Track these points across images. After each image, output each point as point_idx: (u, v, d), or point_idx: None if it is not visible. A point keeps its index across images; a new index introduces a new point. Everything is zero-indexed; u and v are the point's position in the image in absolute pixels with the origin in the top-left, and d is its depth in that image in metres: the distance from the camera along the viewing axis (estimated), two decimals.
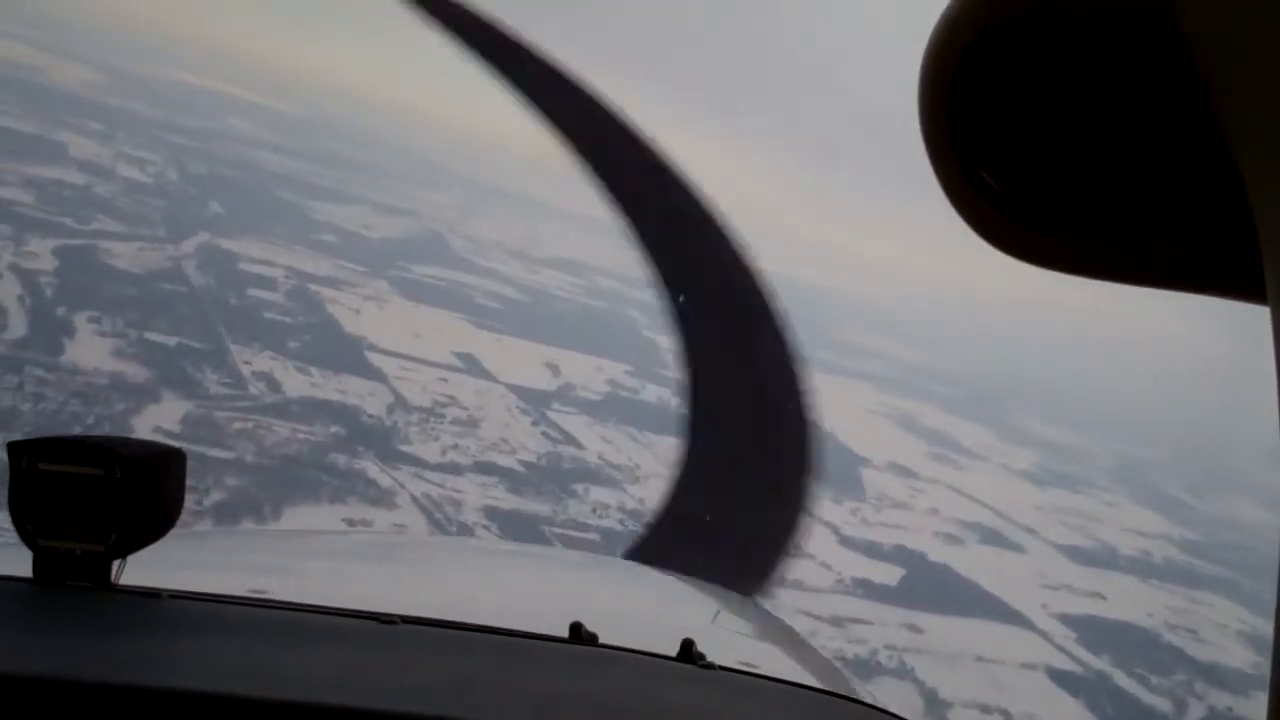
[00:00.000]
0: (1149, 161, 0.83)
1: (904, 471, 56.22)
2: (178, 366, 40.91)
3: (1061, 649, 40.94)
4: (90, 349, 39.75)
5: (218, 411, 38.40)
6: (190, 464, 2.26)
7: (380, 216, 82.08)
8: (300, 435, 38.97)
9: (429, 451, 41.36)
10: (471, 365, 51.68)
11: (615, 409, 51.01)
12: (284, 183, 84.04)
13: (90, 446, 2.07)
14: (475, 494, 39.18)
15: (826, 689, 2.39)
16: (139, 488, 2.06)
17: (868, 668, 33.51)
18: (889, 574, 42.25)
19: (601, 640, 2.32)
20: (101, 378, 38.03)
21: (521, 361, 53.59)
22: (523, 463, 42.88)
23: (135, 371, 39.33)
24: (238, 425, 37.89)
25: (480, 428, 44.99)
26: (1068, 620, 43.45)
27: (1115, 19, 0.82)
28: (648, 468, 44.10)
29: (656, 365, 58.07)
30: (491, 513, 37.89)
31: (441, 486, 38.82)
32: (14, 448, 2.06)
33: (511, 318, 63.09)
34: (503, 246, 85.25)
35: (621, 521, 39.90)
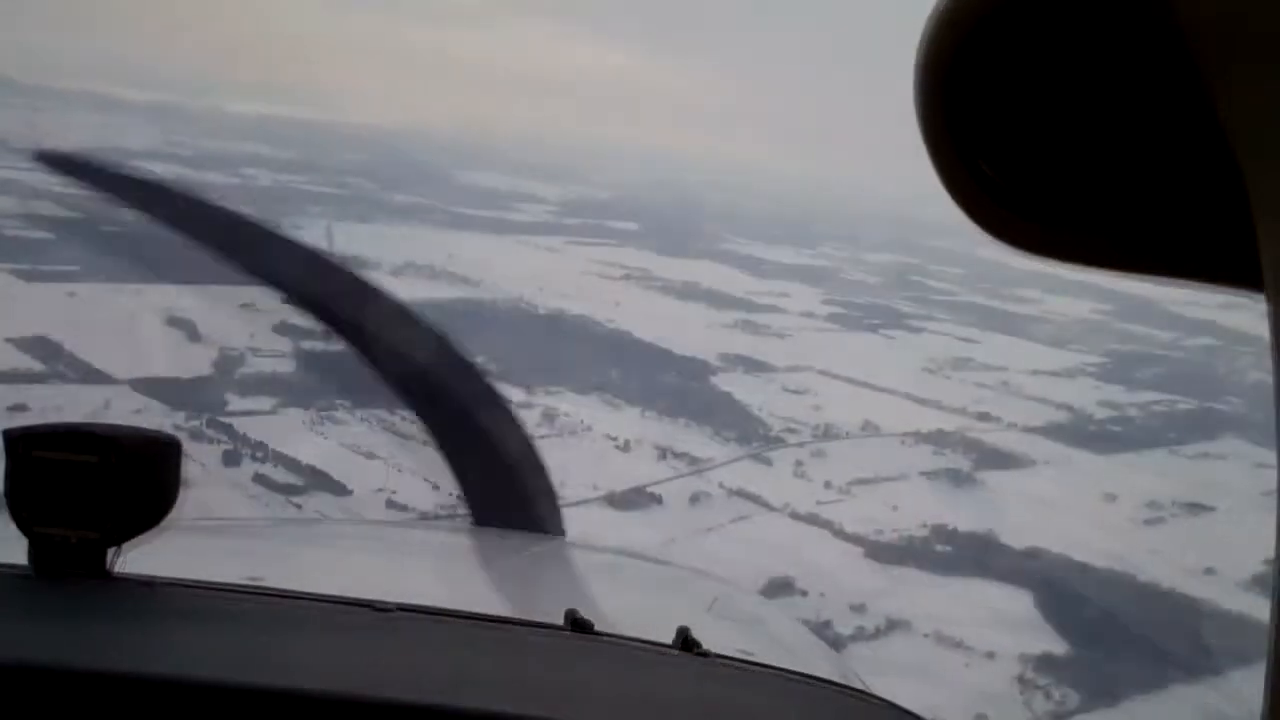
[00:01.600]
0: (1147, 152, 0.84)
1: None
2: None
3: None
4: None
5: None
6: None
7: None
8: None
9: None
10: None
11: None
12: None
13: (86, 434, 2.01)
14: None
15: (825, 679, 2.32)
16: (135, 476, 2.02)
17: None
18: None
19: (597, 629, 2.25)
20: None
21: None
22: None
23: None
24: None
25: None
26: None
27: (1114, 8, 0.82)
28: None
29: None
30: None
31: None
32: (9, 436, 2.02)
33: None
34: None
35: None
